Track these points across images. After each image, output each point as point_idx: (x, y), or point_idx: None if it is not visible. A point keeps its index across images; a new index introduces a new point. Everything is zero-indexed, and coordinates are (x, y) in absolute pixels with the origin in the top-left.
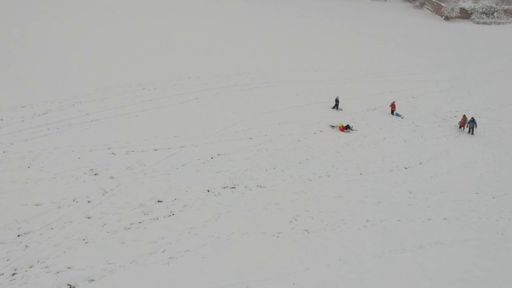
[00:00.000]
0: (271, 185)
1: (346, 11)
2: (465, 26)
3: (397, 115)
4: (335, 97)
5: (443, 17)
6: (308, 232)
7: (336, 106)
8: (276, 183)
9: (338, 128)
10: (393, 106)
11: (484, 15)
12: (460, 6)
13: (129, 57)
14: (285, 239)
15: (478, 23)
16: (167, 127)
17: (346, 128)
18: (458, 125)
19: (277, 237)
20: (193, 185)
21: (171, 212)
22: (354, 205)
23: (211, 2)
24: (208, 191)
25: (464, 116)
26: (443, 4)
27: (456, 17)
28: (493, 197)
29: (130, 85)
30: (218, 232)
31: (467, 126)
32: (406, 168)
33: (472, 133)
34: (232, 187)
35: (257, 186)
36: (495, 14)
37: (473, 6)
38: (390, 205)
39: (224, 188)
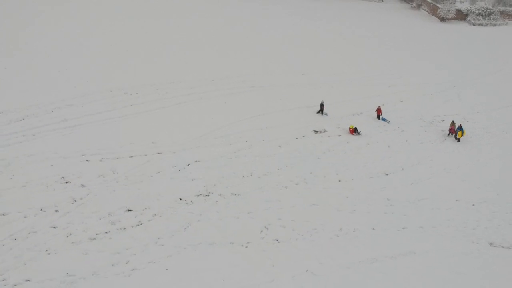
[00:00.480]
0: (246, 192)
1: (343, 12)
2: (460, 27)
3: (383, 119)
4: (320, 102)
5: (439, 18)
6: (278, 242)
7: (321, 110)
8: (251, 190)
9: (348, 131)
10: (379, 110)
11: (480, 17)
12: (456, 8)
13: (112, 61)
14: (254, 249)
15: (474, 24)
16: (145, 133)
17: (355, 131)
18: (448, 132)
19: (246, 247)
20: (166, 193)
21: (139, 221)
22: (328, 214)
23: (201, 4)
24: (181, 199)
25: (453, 122)
26: (439, 6)
27: (452, 19)
28: (473, 205)
29: (111, 90)
30: (186, 243)
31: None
32: (387, 175)
33: (458, 140)
34: (206, 195)
35: (232, 194)
36: (491, 15)
37: (469, 8)
38: (365, 213)
39: (198, 196)
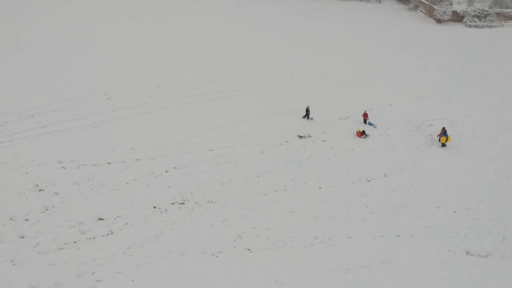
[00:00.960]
0: (223, 200)
1: (340, 12)
2: (456, 29)
3: (370, 124)
4: (306, 106)
5: (435, 20)
6: (251, 251)
7: (307, 115)
8: (229, 198)
9: (356, 134)
10: (365, 115)
11: (476, 18)
12: (453, 9)
13: (97, 65)
14: (225, 260)
15: (470, 26)
16: (125, 139)
17: (363, 134)
18: (438, 138)
19: (217, 257)
20: (140, 201)
21: (110, 230)
22: (305, 221)
23: (197, 5)
24: (155, 207)
25: (444, 128)
26: (435, 7)
27: (448, 20)
28: (454, 212)
29: (94, 95)
30: (155, 253)
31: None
32: (369, 181)
33: (443, 146)
34: (181, 203)
35: (208, 201)
36: (487, 17)
37: (465, 9)
38: (343, 221)
39: (173, 204)
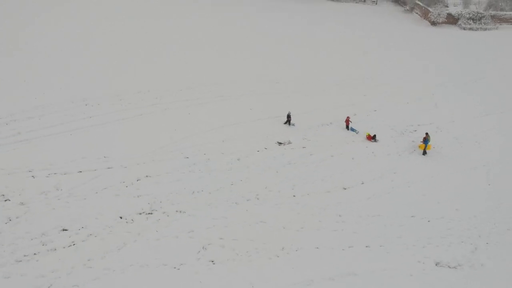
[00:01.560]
0: (193, 209)
1: (333, 15)
2: (451, 32)
3: (352, 130)
4: (287, 113)
5: (430, 22)
6: (214, 263)
7: (288, 121)
8: (198, 207)
9: (366, 137)
10: (347, 121)
11: (471, 21)
12: (448, 12)
13: (77, 70)
14: (186, 272)
15: (464, 29)
16: (99, 146)
17: (373, 138)
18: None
19: (178, 269)
20: (106, 211)
21: (72, 241)
22: (274, 232)
23: (171, 8)
24: (121, 217)
25: (427, 134)
26: (430, 9)
27: (443, 23)
28: (428, 221)
29: (73, 101)
30: (116, 265)
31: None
32: (345, 189)
33: (424, 153)
34: (149, 213)
35: (177, 211)
36: (482, 20)
37: (460, 12)
38: (313, 231)
39: (140, 214)
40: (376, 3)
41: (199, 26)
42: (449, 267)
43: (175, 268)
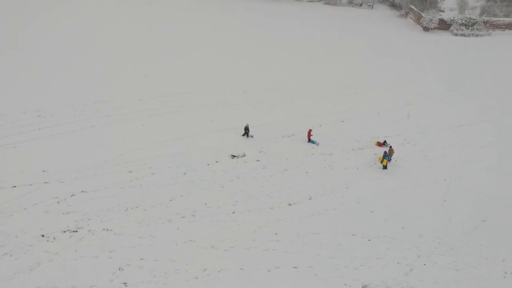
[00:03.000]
0: (121, 227)
1: (328, 19)
2: (442, 37)
3: (312, 142)
4: (245, 125)
5: (422, 27)
6: (126, 286)
7: (246, 133)
8: (128, 225)
9: (376, 144)
10: (309, 133)
11: (464, 27)
12: (440, 17)
13: (30, 81)
14: None
15: (456, 34)
16: (40, 160)
17: (384, 143)
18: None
19: None
20: (30, 229)
21: None
22: (201, 251)
23: (138, 13)
24: (43, 236)
25: (390, 148)
26: (423, 14)
27: (435, 28)
28: (369, 240)
29: (25, 112)
30: (23, 286)
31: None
32: (290, 205)
33: (384, 168)
34: (74, 231)
35: (104, 229)
36: (474, 26)
37: (452, 17)
38: (243, 251)
39: (64, 232)
40: (372, 7)
41: (171, 35)
42: None
43: None
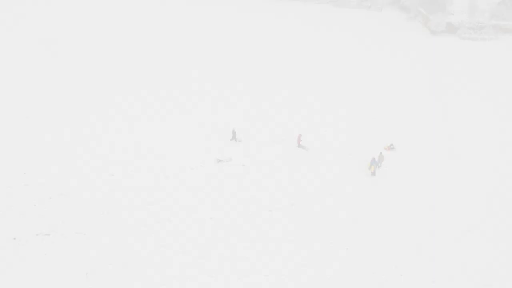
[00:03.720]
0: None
1: (332, 21)
2: (449, 42)
3: (302, 147)
4: (232, 129)
5: (430, 31)
6: None
7: (234, 138)
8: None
9: (385, 148)
10: (298, 138)
11: (472, 31)
12: (448, 21)
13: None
14: None
15: (463, 39)
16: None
17: (390, 147)
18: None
19: None
20: (3, 231)
21: None
22: None
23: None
24: (15, 238)
25: (381, 153)
26: (430, 17)
27: (442, 32)
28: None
29: None
30: None
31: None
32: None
33: (373, 174)
34: (47, 234)
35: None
36: (482, 30)
37: (460, 21)
38: None
39: (37, 235)
40: (381, 10)
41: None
42: None
43: None
